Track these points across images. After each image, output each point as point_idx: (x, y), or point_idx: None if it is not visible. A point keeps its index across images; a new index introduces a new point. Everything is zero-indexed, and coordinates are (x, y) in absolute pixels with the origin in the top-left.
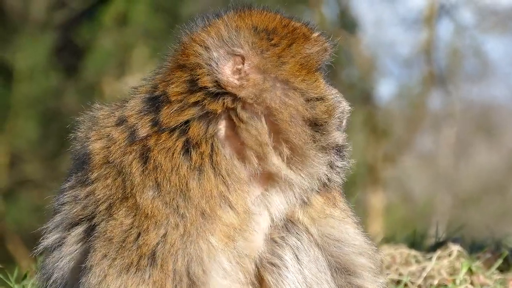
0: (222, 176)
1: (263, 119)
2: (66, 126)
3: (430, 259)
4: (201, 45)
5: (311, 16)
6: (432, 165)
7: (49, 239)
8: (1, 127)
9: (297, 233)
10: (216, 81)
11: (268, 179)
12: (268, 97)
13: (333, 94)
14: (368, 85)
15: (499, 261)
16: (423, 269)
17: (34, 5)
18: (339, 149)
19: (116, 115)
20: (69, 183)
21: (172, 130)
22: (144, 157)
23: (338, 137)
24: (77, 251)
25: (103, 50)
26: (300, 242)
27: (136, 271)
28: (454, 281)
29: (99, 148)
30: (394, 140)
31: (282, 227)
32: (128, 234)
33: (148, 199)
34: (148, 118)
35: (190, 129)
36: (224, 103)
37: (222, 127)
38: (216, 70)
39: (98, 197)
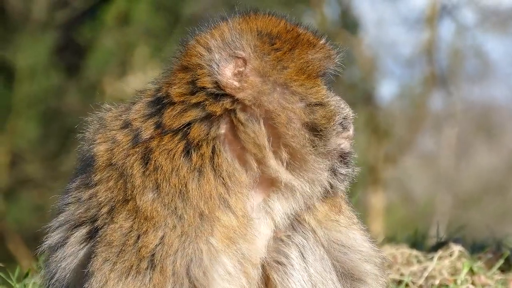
0: (223, 178)
1: (261, 121)
2: (68, 126)
3: (431, 259)
4: (204, 47)
5: (312, 16)
6: (433, 165)
7: (53, 238)
8: (2, 126)
9: (303, 232)
10: (216, 83)
11: (270, 185)
12: (266, 100)
13: (334, 100)
14: (369, 85)
15: (500, 262)
16: (425, 269)
17: (35, 5)
18: (343, 156)
19: (122, 118)
20: (74, 183)
21: (175, 132)
22: (146, 159)
23: (341, 143)
24: (79, 253)
25: (105, 49)
26: (306, 240)
27: (136, 274)
28: (455, 281)
29: (103, 151)
30: (395, 140)
31: (288, 226)
32: (128, 237)
33: (147, 201)
34: (151, 121)
35: (191, 131)
36: (223, 105)
37: (224, 130)
38: (217, 72)
39: (100, 199)
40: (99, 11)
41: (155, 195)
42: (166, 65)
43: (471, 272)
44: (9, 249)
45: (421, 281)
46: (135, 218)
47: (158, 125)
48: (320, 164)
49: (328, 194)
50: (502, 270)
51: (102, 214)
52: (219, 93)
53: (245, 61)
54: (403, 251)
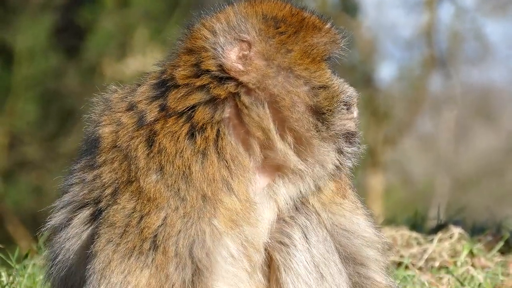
0: (226, 161)
1: (266, 105)
2: (67, 108)
3: (431, 241)
4: (209, 30)
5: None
6: (432, 147)
7: (56, 218)
8: (0, 108)
9: (306, 213)
10: (221, 66)
11: (276, 170)
12: (270, 84)
13: (337, 82)
14: (369, 67)
15: (500, 244)
16: (424, 251)
17: None
18: (348, 136)
19: (128, 100)
20: (78, 164)
21: (180, 115)
22: (150, 141)
23: (346, 124)
24: (83, 234)
25: (104, 31)
26: (309, 222)
27: (139, 255)
28: (455, 263)
29: (108, 133)
30: (394, 123)
31: (292, 207)
32: (130, 218)
33: (151, 182)
34: (156, 104)
35: (196, 114)
36: (227, 88)
37: (228, 114)
38: (221, 55)
39: (104, 180)
40: None
41: (159, 176)
42: (169, 47)
43: (471, 254)
44: (8, 231)
45: (421, 263)
46: (138, 199)
47: (163, 108)
48: (325, 148)
49: (336, 173)
50: (502, 252)
51: (106, 196)
52: (224, 76)
53: (250, 45)
54: (403, 233)
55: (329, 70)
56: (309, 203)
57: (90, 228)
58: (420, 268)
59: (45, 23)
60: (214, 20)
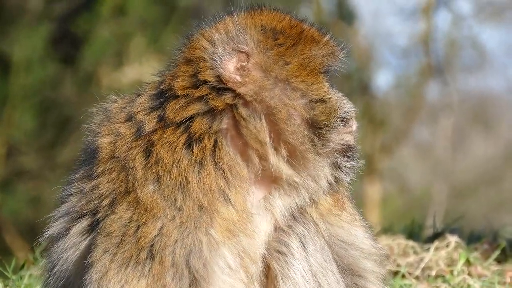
0: (223, 171)
1: (263, 117)
2: (64, 117)
3: (428, 250)
4: (208, 40)
5: (308, 7)
6: (429, 155)
7: (54, 228)
8: None
9: (304, 222)
10: (218, 76)
11: (272, 182)
12: (267, 96)
13: (335, 96)
14: (365, 75)
15: (497, 252)
16: (421, 260)
17: None
18: (346, 150)
19: (126, 110)
20: (77, 174)
21: (178, 125)
22: (148, 152)
23: (345, 138)
24: (81, 244)
25: (101, 40)
26: (307, 231)
27: (135, 264)
28: (452, 272)
29: (107, 143)
30: (391, 130)
31: (290, 216)
32: (127, 228)
33: (148, 193)
34: (154, 114)
35: (194, 124)
36: (224, 99)
37: (226, 125)
38: (219, 65)
39: (102, 191)
40: (95, 2)
41: (156, 187)
42: (166, 56)
43: (468, 262)
44: (5, 241)
45: (417, 272)
46: (135, 209)
47: (161, 118)
48: (320, 162)
49: (333, 188)
50: (499, 261)
51: (104, 206)
52: (221, 87)
53: (248, 56)
54: (400, 242)
55: (327, 83)
56: (307, 213)
57: (88, 239)
58: (416, 277)
59: (42, 32)
60: (213, 30)
